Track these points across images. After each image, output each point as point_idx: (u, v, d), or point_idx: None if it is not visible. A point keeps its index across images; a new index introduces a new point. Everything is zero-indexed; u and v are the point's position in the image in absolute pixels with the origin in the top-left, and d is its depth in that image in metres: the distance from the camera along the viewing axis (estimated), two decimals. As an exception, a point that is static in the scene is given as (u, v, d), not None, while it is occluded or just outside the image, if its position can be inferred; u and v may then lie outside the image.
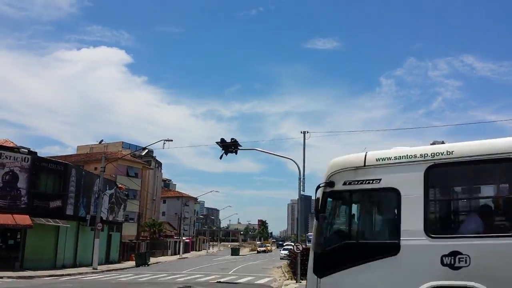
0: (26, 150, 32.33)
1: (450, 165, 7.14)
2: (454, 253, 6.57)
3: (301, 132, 30.47)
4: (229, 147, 25.02)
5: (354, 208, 8.15)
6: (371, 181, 7.55)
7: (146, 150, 69.76)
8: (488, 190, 7.85)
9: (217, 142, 25.30)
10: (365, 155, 7.79)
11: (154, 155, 77.13)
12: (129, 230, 57.62)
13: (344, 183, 7.76)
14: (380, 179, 7.48)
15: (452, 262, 6.56)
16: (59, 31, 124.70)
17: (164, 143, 33.51)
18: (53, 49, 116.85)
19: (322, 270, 7.68)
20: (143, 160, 71.25)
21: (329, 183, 7.85)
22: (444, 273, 6.57)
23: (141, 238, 64.63)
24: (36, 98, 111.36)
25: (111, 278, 27.07)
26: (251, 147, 28.79)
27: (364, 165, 7.67)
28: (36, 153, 33.20)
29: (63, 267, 33.34)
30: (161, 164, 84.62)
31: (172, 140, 33.52)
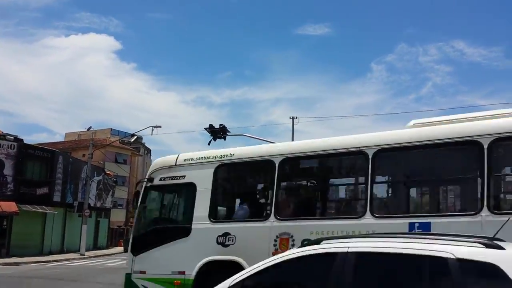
0: (12, 137, 32.00)
1: (231, 165, 8.93)
2: (225, 234, 8.17)
3: (290, 118, 30.52)
4: (218, 133, 24.82)
5: (166, 199, 10.05)
6: (179, 177, 9.19)
7: (135, 137, 69.36)
8: (254, 185, 9.74)
9: (205, 128, 25.07)
10: (177, 156, 9.45)
11: (143, 141, 76.70)
12: (118, 216, 57.49)
13: (161, 179, 9.37)
14: (184, 176, 9.12)
15: (224, 241, 8.15)
16: (47, 18, 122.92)
17: (152, 130, 33.36)
18: (41, 36, 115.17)
19: (137, 249, 9.22)
20: (132, 146, 70.85)
21: (149, 179, 9.51)
22: (218, 250, 8.12)
23: (130, 224, 64.56)
24: (24, 85, 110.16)
25: (98, 263, 27.04)
26: (242, 133, 28.60)
27: (175, 164, 9.30)
28: (22, 140, 32.87)
29: (50, 253, 33.27)
30: (150, 150, 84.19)
31: (160, 127, 33.42)
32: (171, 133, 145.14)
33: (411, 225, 6.80)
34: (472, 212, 6.65)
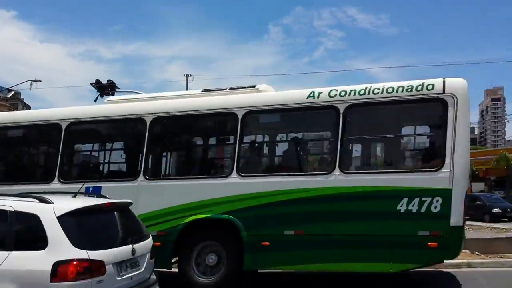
0: None
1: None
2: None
3: (184, 76, 29.79)
4: (105, 89, 23.24)
5: None
6: None
7: (13, 92, 63.57)
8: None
9: (91, 84, 23.40)
10: None
11: (22, 97, 70.49)
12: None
13: None
14: None
15: None
16: None
17: (31, 84, 30.73)
18: None
19: None
20: (8, 102, 64.69)
21: None
22: None
23: (8, 187, 59.80)
24: None
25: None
26: (134, 89, 27.03)
27: None
28: None
29: None
30: (30, 107, 77.86)
31: (40, 81, 30.98)
32: (55, 87, 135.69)
33: (87, 189, 7.94)
34: (132, 179, 8.32)
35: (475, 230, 20.84)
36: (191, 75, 29.56)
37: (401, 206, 7.04)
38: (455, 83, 7.39)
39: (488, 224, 24.11)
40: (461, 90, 7.32)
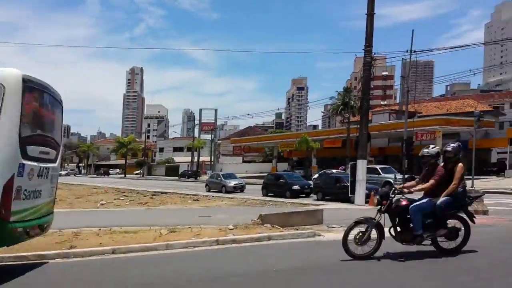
0: None
1: None
2: None
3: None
4: None
5: None
6: None
7: None
8: None
9: None
10: None
11: None
12: None
13: None
14: None
15: None
16: None
17: None
18: None
19: None
20: None
21: None
22: None
23: None
24: None
25: None
26: None
27: None
28: None
29: None
30: None
31: None
32: None
33: None
34: None
35: (277, 206, 22.82)
36: (-12, 39, 25.67)
37: None
38: (7, 73, 7.37)
39: (288, 200, 26.53)
40: (13, 80, 7.30)
